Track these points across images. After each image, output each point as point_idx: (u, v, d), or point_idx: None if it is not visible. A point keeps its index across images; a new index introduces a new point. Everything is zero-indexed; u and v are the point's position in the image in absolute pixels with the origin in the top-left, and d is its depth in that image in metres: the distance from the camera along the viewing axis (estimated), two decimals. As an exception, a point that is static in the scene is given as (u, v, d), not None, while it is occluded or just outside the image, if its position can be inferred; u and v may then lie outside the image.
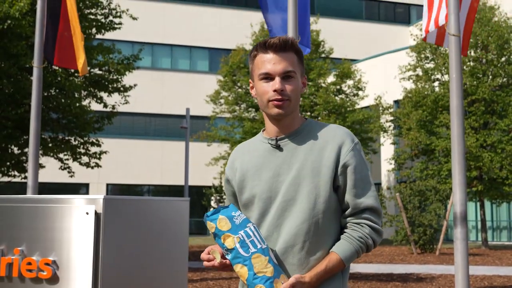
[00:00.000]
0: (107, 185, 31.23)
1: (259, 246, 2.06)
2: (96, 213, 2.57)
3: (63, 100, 13.35)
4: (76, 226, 2.57)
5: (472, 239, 25.86)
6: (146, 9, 30.93)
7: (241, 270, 2.06)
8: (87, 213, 2.57)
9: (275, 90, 2.12)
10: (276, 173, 2.15)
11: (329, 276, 2.09)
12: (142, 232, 3.04)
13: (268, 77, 2.14)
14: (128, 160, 30.86)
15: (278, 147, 2.18)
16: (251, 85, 2.26)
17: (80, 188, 30.72)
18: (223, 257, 2.18)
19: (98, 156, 14.96)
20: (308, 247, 2.09)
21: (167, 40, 32.44)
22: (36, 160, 7.23)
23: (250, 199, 2.18)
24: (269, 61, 2.14)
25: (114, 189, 31.52)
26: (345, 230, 2.15)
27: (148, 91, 30.58)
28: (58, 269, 2.57)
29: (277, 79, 2.13)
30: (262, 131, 2.29)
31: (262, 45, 2.17)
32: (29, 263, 2.59)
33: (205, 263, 2.18)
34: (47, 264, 2.57)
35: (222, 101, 24.12)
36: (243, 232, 2.07)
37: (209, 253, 2.18)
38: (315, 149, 2.15)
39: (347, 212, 2.15)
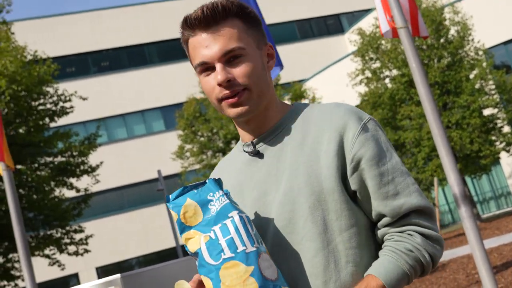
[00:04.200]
0: (96, 269, 30.55)
1: (241, 248, 1.33)
2: (117, 293, 2.57)
3: (34, 196, 13.15)
4: (101, 310, 2.61)
5: (464, 218, 26.11)
6: (89, 85, 30.86)
7: (206, 284, 1.37)
8: (110, 295, 2.57)
9: (219, 84, 1.46)
10: (261, 191, 1.49)
11: None
12: (165, 300, 3.02)
13: (207, 67, 1.48)
14: (111, 239, 30.33)
15: (258, 154, 1.53)
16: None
17: (70, 280, 29.96)
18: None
19: (85, 242, 14.71)
20: None
21: (118, 110, 32.33)
22: (29, 262, 7.04)
23: None
24: (200, 45, 1.47)
25: (103, 271, 30.84)
26: (385, 244, 1.45)
27: (111, 165, 30.30)
28: None
29: (218, 66, 1.46)
30: None
31: (184, 25, 1.50)
32: None
33: None
34: None
35: (188, 154, 24.06)
36: (219, 227, 1.36)
37: None
38: (306, 144, 1.47)
39: (383, 221, 1.46)
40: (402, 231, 1.44)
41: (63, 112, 14.41)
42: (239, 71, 1.46)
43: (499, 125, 20.38)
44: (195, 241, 1.37)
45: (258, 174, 1.51)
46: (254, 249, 1.34)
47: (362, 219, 1.46)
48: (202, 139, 23.45)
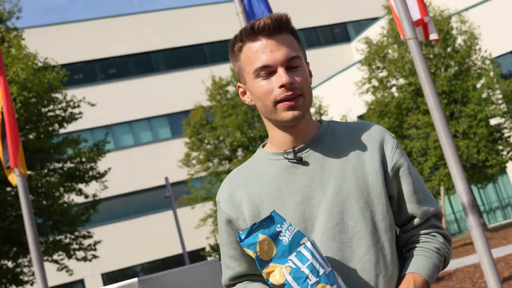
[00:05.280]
0: (102, 275, 30.59)
1: (321, 271, 1.47)
2: (136, 296, 2.68)
3: (44, 202, 13.26)
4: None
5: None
6: (97, 92, 31.01)
7: None
8: (129, 299, 2.69)
9: (282, 86, 1.58)
10: (305, 195, 1.62)
11: None
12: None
13: (267, 71, 1.60)
14: (117, 245, 30.38)
15: (301, 161, 1.64)
16: (241, 90, 1.71)
17: (76, 286, 30.00)
18: None
19: (93, 248, 14.80)
20: (382, 284, 1.60)
21: (125, 117, 32.45)
22: (42, 266, 7.10)
23: None
24: (263, 50, 1.60)
25: (109, 277, 30.87)
26: (417, 245, 1.68)
27: (118, 171, 30.39)
28: None
29: (281, 70, 1.59)
30: (262, 147, 1.74)
31: (249, 31, 1.61)
32: None
33: None
34: None
35: (194, 161, 24.14)
36: (295, 255, 1.48)
37: None
38: (351, 154, 1.65)
39: (413, 222, 1.68)
40: (427, 233, 1.68)
41: (72, 118, 14.55)
42: (298, 78, 1.61)
43: (506, 134, 20.39)
44: (278, 274, 1.48)
45: (300, 179, 1.63)
46: (330, 269, 1.49)
47: (392, 223, 1.67)
48: (208, 146, 23.53)
